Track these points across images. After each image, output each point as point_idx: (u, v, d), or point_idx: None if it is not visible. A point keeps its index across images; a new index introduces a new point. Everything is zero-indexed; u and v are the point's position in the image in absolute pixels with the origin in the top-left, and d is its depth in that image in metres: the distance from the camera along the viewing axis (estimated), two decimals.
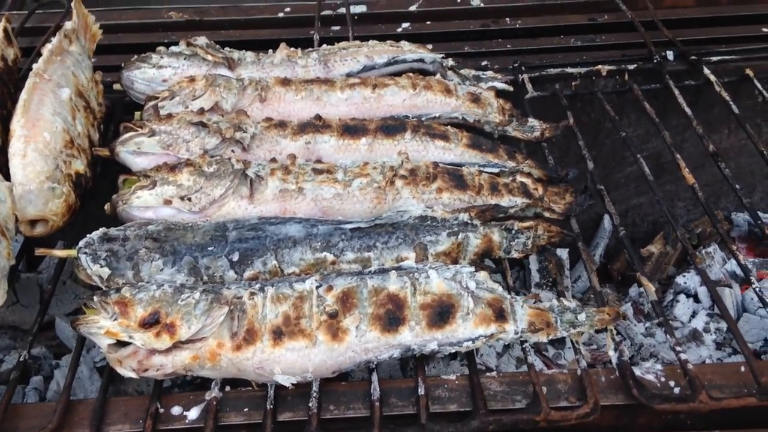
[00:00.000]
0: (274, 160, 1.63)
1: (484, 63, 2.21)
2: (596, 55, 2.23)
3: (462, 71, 2.01)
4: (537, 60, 2.21)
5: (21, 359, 1.45)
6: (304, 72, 1.92)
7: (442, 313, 1.35)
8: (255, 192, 1.56)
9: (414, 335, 1.34)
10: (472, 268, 1.43)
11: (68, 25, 1.94)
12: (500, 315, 1.38)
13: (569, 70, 2.13)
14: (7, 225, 1.56)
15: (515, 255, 1.57)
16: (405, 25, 2.41)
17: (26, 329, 2.07)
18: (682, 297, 2.20)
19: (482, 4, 2.48)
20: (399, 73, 1.92)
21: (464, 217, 1.52)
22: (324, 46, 2.01)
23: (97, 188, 1.79)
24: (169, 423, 1.35)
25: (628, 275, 2.31)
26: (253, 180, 1.57)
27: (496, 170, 1.72)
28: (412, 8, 2.46)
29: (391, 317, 1.34)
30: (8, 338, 2.13)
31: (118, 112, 2.02)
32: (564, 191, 1.69)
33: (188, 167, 1.57)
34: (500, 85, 1.98)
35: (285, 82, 1.83)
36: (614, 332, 1.43)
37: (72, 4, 2.01)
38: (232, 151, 1.66)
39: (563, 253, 2.30)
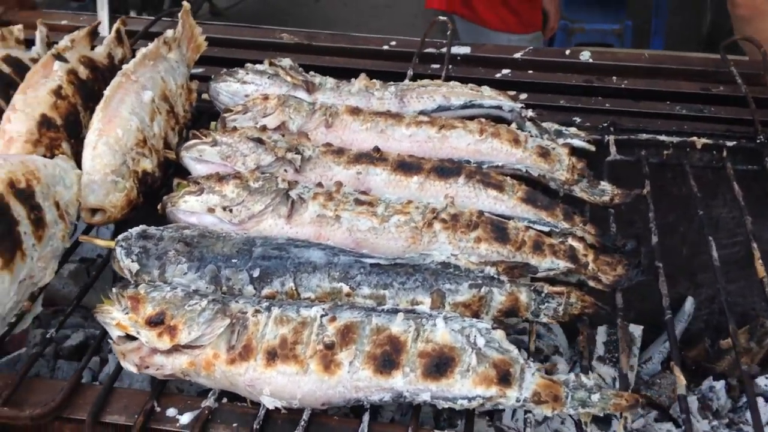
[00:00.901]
0: (320, 185, 1.64)
1: (575, 119, 2.13)
2: (698, 126, 2.09)
3: (544, 124, 1.95)
4: (633, 123, 2.11)
5: (47, 336, 1.53)
6: (378, 104, 1.93)
7: (439, 364, 1.30)
8: (294, 213, 1.58)
9: (407, 382, 1.30)
10: (488, 325, 1.37)
11: (168, 33, 2.05)
12: (504, 378, 1.31)
13: (662, 138, 2.01)
14: (68, 209, 1.66)
15: (545, 320, 1.49)
16: (505, 71, 2.37)
17: None
18: (760, 400, 2.00)
19: (591, 60, 2.40)
20: (473, 118, 1.89)
21: (491, 270, 1.47)
22: (405, 81, 2.01)
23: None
24: (161, 423, 1.37)
25: (704, 365, 2.14)
26: (295, 201, 1.59)
27: (546, 229, 1.64)
28: (517, 55, 2.42)
29: (386, 359, 1.30)
30: (80, 316, 2.26)
31: (205, 119, 2.10)
32: (617, 262, 1.59)
33: (235, 180, 1.61)
34: (578, 143, 1.90)
35: (354, 111, 1.84)
36: (628, 420, 1.32)
37: (179, 15, 2.13)
38: (285, 170, 1.69)
39: (636, 329, 2.16)
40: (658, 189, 1.88)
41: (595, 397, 1.32)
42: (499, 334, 1.36)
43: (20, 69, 1.97)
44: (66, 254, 1.69)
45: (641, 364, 2.11)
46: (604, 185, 1.80)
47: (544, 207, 1.67)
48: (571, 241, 1.61)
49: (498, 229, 1.57)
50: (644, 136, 2.03)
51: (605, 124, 2.06)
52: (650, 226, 1.72)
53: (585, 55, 2.41)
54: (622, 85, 2.30)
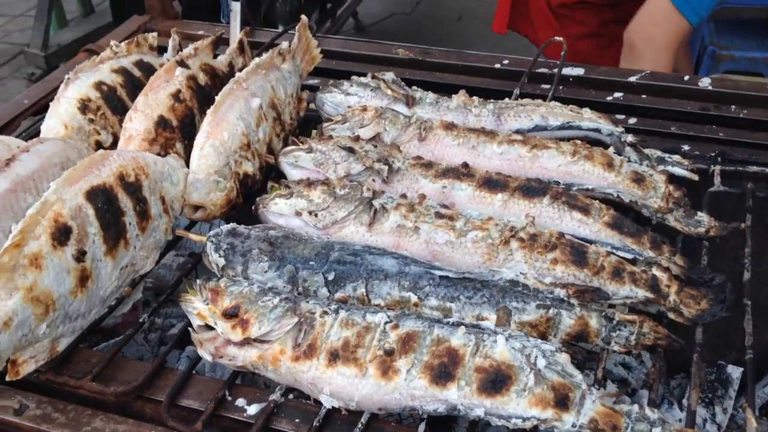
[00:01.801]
0: (404, 196, 1.68)
1: (684, 147, 2.06)
2: None
3: (647, 150, 1.90)
4: (746, 155, 2.01)
5: (141, 321, 1.65)
6: (475, 120, 1.94)
7: (495, 381, 1.30)
8: (375, 222, 1.63)
9: (461, 395, 1.31)
10: (553, 347, 1.35)
11: (284, 45, 2.16)
12: (561, 402, 1.29)
13: None
14: (173, 204, 1.79)
15: (616, 348, 1.46)
16: (617, 94, 2.32)
17: None
18: None
19: (710, 87, 2.30)
20: (570, 139, 1.87)
21: (561, 292, 1.45)
22: (505, 99, 2.02)
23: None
24: (229, 411, 1.45)
25: None
26: (377, 210, 1.63)
27: (630, 256, 1.60)
28: (632, 79, 2.36)
29: (443, 371, 1.32)
30: None
31: (312, 128, 2.19)
32: (702, 296, 1.53)
33: (323, 186, 1.68)
34: (679, 171, 1.84)
35: (449, 126, 1.87)
36: None
37: (297, 28, 2.23)
38: (373, 180, 1.74)
39: (735, 371, 2.06)
40: (766, 225, 1.78)
41: (656, 431, 1.28)
42: (563, 358, 1.34)
43: (150, 73, 2.13)
44: (169, 246, 1.82)
45: (738, 407, 2.00)
46: (701, 216, 1.73)
47: (630, 234, 1.63)
48: (655, 270, 1.56)
49: (577, 252, 1.55)
50: (754, 168, 1.93)
51: (713, 154, 1.98)
52: (744, 261, 1.64)
53: (704, 82, 2.32)
54: (741, 115, 2.19)
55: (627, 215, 1.71)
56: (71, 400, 1.49)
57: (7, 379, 1.42)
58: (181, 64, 2.04)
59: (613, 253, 1.59)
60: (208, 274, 1.71)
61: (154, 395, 1.50)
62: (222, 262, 1.59)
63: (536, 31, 3.26)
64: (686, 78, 2.36)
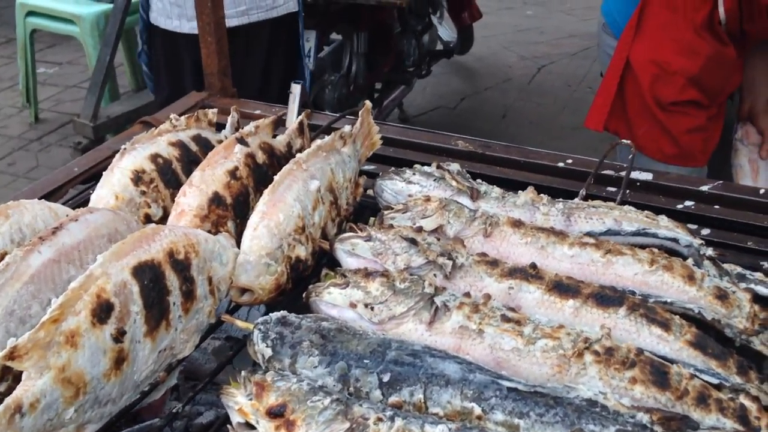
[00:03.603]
0: (468, 294, 1.57)
1: (763, 264, 1.93)
2: None
3: (725, 265, 1.77)
4: None
5: (173, 410, 1.53)
6: (543, 219, 1.84)
7: None
8: (435, 320, 1.51)
9: None
10: None
11: (346, 128, 2.09)
12: None
13: None
14: (219, 286, 1.69)
15: None
16: (688, 203, 2.20)
17: None
18: None
19: None
20: (644, 247, 1.75)
21: (644, 417, 1.30)
22: (575, 200, 1.91)
23: None
24: None
25: None
26: (439, 308, 1.52)
27: (715, 381, 1.46)
28: (704, 188, 2.24)
29: None
30: (216, 394, 2.27)
31: (368, 215, 2.10)
32: None
33: (382, 278, 1.57)
34: (763, 290, 1.70)
35: (516, 223, 1.76)
36: None
37: (360, 112, 2.18)
38: (434, 275, 1.63)
39: None
40: None
41: None
42: None
43: (207, 148, 2.07)
44: (210, 330, 1.71)
45: None
46: None
47: (715, 356, 1.49)
48: (742, 399, 1.41)
49: (658, 371, 1.41)
50: None
51: None
52: None
53: None
54: None
55: (708, 334, 1.58)
56: None
57: None
58: (241, 141, 1.98)
59: (696, 376, 1.45)
60: (244, 362, 1.60)
61: None
62: (269, 352, 1.47)
63: (632, 128, 3.26)
64: (762, 191, 2.25)
